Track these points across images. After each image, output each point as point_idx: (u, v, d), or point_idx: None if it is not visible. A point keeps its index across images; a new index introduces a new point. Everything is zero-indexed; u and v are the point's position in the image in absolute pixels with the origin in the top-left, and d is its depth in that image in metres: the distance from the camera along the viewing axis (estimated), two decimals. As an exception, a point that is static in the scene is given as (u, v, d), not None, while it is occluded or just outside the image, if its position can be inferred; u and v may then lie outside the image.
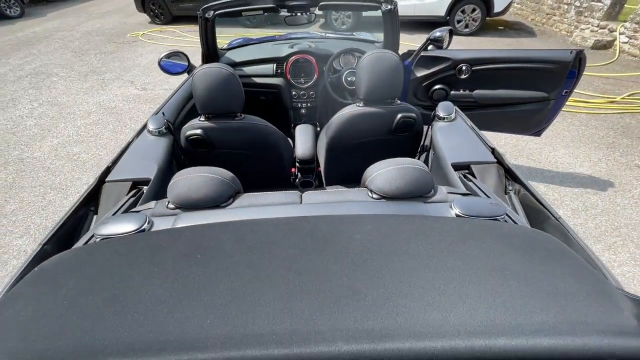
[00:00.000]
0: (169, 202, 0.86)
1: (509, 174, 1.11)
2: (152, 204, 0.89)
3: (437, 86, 2.34)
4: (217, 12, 1.94)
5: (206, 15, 1.95)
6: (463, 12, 6.42)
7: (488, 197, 0.92)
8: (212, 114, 1.31)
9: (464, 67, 2.22)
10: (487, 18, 6.54)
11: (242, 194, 0.91)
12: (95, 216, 1.03)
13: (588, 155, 2.99)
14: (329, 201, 0.86)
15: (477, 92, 2.29)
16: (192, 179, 0.85)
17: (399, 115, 1.35)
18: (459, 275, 0.55)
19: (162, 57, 1.99)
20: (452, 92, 2.34)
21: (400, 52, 2.29)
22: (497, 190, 1.03)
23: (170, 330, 0.46)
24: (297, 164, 1.83)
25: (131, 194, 1.05)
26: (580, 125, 3.47)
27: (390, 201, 0.85)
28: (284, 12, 2.10)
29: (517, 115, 2.31)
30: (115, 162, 1.18)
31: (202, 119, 1.33)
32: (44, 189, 2.74)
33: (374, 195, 0.87)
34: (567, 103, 3.95)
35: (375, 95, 1.32)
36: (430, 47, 2.26)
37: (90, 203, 1.05)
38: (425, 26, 6.35)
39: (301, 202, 0.86)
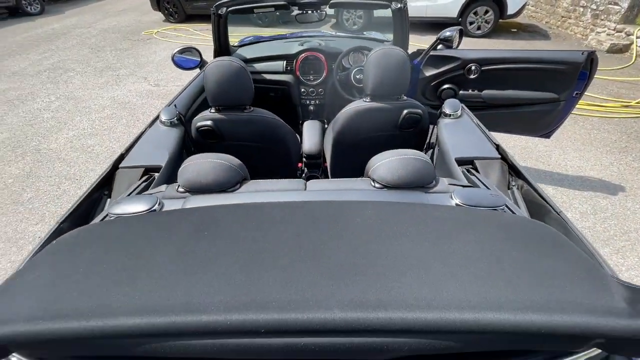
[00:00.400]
0: (179, 186, 0.90)
1: (513, 170, 1.12)
2: (162, 187, 0.93)
3: (446, 86, 2.34)
4: (229, 9, 1.99)
5: (219, 12, 1.99)
6: (475, 13, 6.37)
7: (489, 189, 0.94)
8: (222, 106, 1.35)
9: (473, 67, 2.21)
10: (500, 20, 6.48)
11: (248, 180, 0.95)
12: (109, 200, 1.08)
13: (599, 159, 2.95)
14: (332, 189, 0.88)
15: (486, 92, 2.28)
16: (202, 165, 0.89)
17: (405, 111, 1.37)
18: (454, 257, 0.56)
19: (175, 53, 2.05)
20: (461, 91, 2.33)
21: (410, 51, 2.30)
22: (500, 185, 1.04)
23: (178, 295, 0.49)
24: (304, 159, 1.86)
25: (143, 179, 1.09)
26: (592, 129, 3.42)
27: (392, 190, 0.87)
28: (295, 10, 2.13)
29: (526, 116, 2.30)
30: (128, 149, 1.23)
31: (212, 110, 1.37)
32: (59, 179, 2.83)
33: (376, 185, 0.89)
34: (580, 106, 3.90)
35: (382, 90, 1.34)
36: (439, 46, 2.26)
37: (104, 187, 1.10)
38: (437, 27, 6.31)
39: (305, 189, 0.89)
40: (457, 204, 0.79)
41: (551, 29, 7.20)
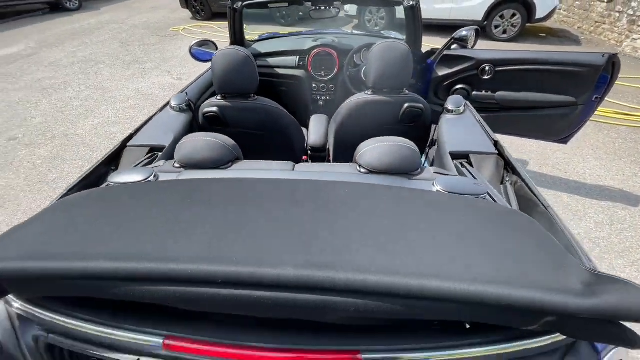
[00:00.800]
0: (175, 161, 0.95)
1: (509, 167, 1.10)
2: (161, 162, 0.99)
3: (459, 86, 2.30)
4: (244, 3, 2.05)
5: (234, 6, 2.06)
6: (502, 17, 6.20)
7: (475, 179, 0.93)
8: (227, 94, 1.40)
9: (487, 68, 2.17)
10: (528, 24, 6.27)
11: (241, 160, 0.99)
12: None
13: (622, 169, 2.81)
14: (318, 171, 0.91)
15: (500, 93, 2.23)
16: (197, 142, 0.94)
17: (406, 105, 1.37)
18: (417, 233, 0.58)
19: (193, 45, 2.13)
20: (474, 92, 2.29)
21: (424, 50, 2.29)
22: (493, 180, 1.03)
23: (154, 247, 0.54)
24: (309, 152, 1.89)
25: (147, 156, 1.16)
26: (618, 138, 3.26)
27: (377, 175, 0.89)
28: (308, 6, 2.17)
29: (540, 120, 2.23)
30: (137, 130, 1.31)
31: (218, 97, 1.43)
32: (82, 162, 3.00)
33: (362, 170, 0.91)
34: (607, 114, 3.72)
35: (383, 83, 1.35)
36: (454, 46, 2.24)
37: (112, 163, 1.17)
38: (461, 30, 6.19)
39: (293, 170, 0.92)
40: (438, 191, 0.80)
41: (583, 34, 6.90)
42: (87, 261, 0.50)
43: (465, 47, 2.21)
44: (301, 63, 2.33)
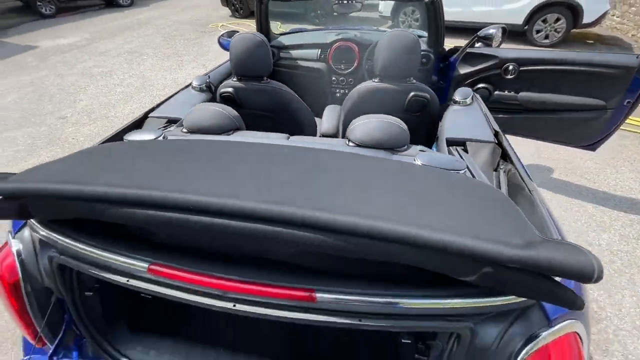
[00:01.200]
0: (183, 127, 1.06)
1: (507, 157, 1.09)
2: (171, 127, 1.10)
3: (481, 85, 2.26)
4: (271, -4, 2.15)
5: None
6: (544, 21, 5.90)
7: (462, 159, 0.94)
8: (242, 76, 1.50)
9: (510, 67, 2.12)
10: (573, 29, 5.92)
11: (242, 130, 1.07)
12: None
13: (660, 183, 2.61)
14: (310, 142, 0.97)
15: (523, 94, 2.16)
16: (205, 110, 1.04)
17: (412, 94, 1.39)
18: (380, 190, 0.62)
19: (221, 35, 2.26)
20: (496, 92, 2.24)
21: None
22: (487, 166, 1.03)
23: (143, 180, 0.62)
24: None
25: (164, 126, 1.28)
26: (661, 152, 3.01)
27: (363, 149, 0.93)
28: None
29: (566, 123, 2.13)
30: (160, 104, 1.44)
31: (234, 79, 1.53)
32: (118, 142, 3.27)
33: (351, 144, 0.95)
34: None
35: (390, 71, 1.38)
36: (478, 44, 2.20)
37: (134, 130, 1.30)
38: (498, 34, 5.97)
39: (288, 140, 0.99)
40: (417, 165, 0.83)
41: (637, 42, 6.40)
42: (87, 185, 0.60)
43: (489, 45, 2.17)
44: (322, 56, 2.39)
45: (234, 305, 0.61)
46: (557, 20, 5.82)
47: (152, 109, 1.40)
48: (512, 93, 2.19)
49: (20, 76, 4.92)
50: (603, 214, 2.30)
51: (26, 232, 0.79)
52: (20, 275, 0.77)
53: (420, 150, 0.92)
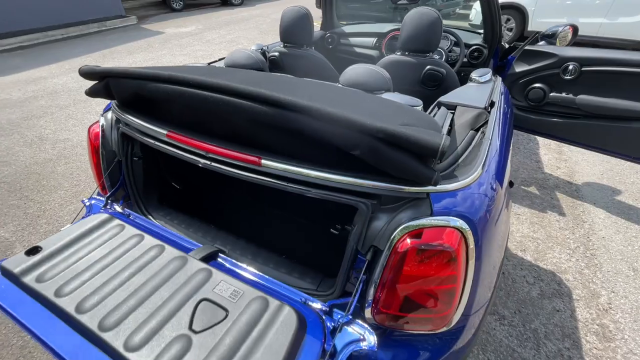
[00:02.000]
0: (223, 65, 1.38)
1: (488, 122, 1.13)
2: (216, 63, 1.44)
3: (536, 85, 2.15)
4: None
5: (326, -8, 2.43)
6: (673, 38, 4.97)
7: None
8: (287, 42, 1.77)
9: (571, 67, 1.98)
10: None
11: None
12: None
13: None
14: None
15: (582, 97, 1.99)
16: (238, 51, 1.35)
17: (428, 67, 1.48)
18: (314, 94, 0.81)
19: None
20: (552, 94, 2.10)
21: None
22: (466, 125, 1.09)
23: (176, 73, 0.92)
24: None
25: None
26: None
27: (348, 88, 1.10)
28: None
29: (630, 134, 1.90)
30: (220, 59, 1.80)
31: (281, 45, 1.81)
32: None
33: (339, 85, 1.13)
34: None
35: (410, 44, 1.49)
36: (541, 42, 2.10)
37: None
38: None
39: None
40: None
41: None
42: (138, 70, 0.92)
43: (552, 44, 2.06)
44: (377, 44, 2.55)
45: (211, 163, 0.87)
46: (691, 38, 4.85)
47: (214, 62, 1.77)
48: (570, 95, 2.04)
49: (148, 53, 6.14)
50: (669, 246, 1.97)
51: (109, 114, 1.18)
52: (100, 140, 1.15)
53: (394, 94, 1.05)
